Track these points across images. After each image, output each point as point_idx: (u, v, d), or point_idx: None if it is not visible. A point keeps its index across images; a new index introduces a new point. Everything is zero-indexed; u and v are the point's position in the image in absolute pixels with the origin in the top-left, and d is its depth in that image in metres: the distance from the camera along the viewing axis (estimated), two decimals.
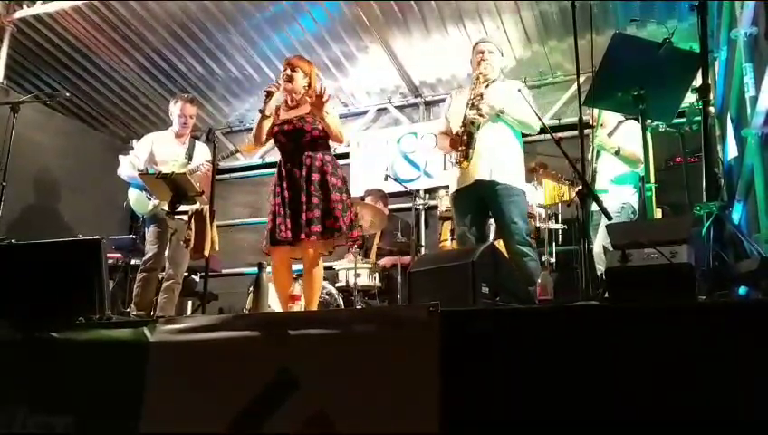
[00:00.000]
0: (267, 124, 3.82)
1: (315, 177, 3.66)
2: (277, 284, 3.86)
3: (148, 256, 4.64)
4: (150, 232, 4.72)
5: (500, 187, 3.75)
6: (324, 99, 3.63)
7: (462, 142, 3.80)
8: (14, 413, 2.67)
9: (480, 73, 3.95)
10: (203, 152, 4.91)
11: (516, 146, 3.91)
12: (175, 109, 4.91)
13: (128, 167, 4.87)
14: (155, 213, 4.69)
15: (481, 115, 3.80)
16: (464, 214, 3.91)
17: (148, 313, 4.46)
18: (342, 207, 3.69)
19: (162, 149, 4.84)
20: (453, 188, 3.99)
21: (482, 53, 4.03)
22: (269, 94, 3.76)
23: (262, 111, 3.79)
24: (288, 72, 3.86)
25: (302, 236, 3.58)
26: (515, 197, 3.77)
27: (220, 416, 2.30)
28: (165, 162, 4.75)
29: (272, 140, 3.92)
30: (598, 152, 4.56)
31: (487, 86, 3.94)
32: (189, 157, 4.86)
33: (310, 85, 3.90)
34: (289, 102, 3.90)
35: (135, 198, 4.85)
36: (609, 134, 4.54)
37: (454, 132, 3.91)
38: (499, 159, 3.79)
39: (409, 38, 6.32)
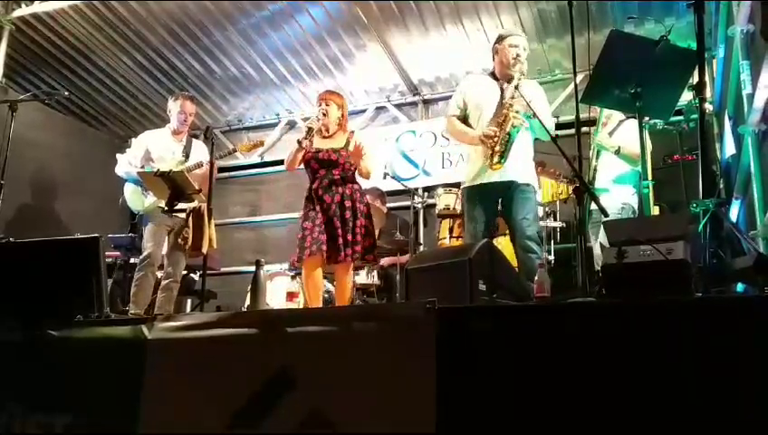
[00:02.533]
0: (301, 154, 4.12)
1: (348, 203, 4.04)
2: (309, 290, 4.14)
3: (144, 254, 4.62)
4: (147, 230, 4.69)
5: (521, 185, 3.73)
6: (363, 153, 4.05)
7: (498, 143, 3.66)
8: (12, 412, 2.67)
9: (522, 73, 3.75)
10: (201, 150, 4.91)
11: (530, 145, 3.88)
12: (175, 106, 4.88)
13: (125, 165, 4.85)
14: (151, 210, 4.67)
15: (520, 119, 3.66)
16: (478, 209, 3.83)
17: (147, 311, 4.45)
18: (366, 232, 4.08)
19: (159, 147, 4.81)
20: (470, 182, 3.87)
21: (517, 46, 3.83)
22: (310, 130, 4.08)
23: (300, 143, 4.07)
24: (324, 106, 4.21)
25: (342, 256, 3.94)
26: (531, 195, 3.76)
27: (218, 413, 2.30)
28: (162, 160, 4.73)
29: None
30: (598, 151, 4.56)
31: (517, 87, 3.77)
32: (186, 155, 4.83)
33: (343, 116, 4.29)
34: (323, 132, 4.22)
35: (130, 194, 4.82)
36: (611, 133, 4.54)
37: (482, 126, 3.77)
38: (523, 159, 3.77)
39: (408, 36, 6.33)
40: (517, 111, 3.65)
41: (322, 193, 4.06)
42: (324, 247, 3.94)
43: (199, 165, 4.68)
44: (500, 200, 3.79)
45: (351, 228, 4.00)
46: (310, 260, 4.00)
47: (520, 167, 3.74)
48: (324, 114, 4.19)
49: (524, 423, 1.90)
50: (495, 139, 3.66)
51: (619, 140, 4.40)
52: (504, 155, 3.65)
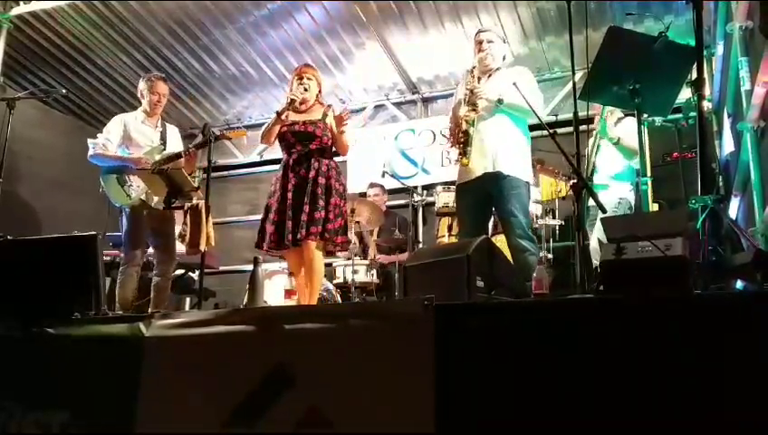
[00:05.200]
0: (278, 127, 3.96)
1: (321, 181, 3.82)
2: (299, 281, 4.01)
3: (126, 253, 4.47)
4: (128, 229, 4.52)
5: (502, 179, 3.68)
6: (346, 120, 3.89)
7: (459, 140, 3.76)
8: (10, 410, 2.67)
9: (474, 67, 3.87)
10: (176, 136, 4.82)
11: (519, 136, 3.82)
12: (146, 86, 4.70)
13: (99, 147, 4.58)
14: (132, 205, 4.49)
15: (475, 111, 3.74)
16: (466, 208, 3.88)
17: (138, 310, 4.37)
18: (338, 211, 3.86)
19: (136, 133, 4.62)
20: (458, 181, 3.93)
21: (480, 42, 3.93)
22: (292, 102, 3.91)
23: (279, 114, 3.92)
24: (306, 80, 4.05)
25: (301, 234, 3.70)
26: (517, 189, 3.69)
27: (216, 411, 2.29)
28: (139, 147, 4.57)
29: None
30: (597, 147, 4.57)
31: (490, 76, 3.89)
32: (164, 141, 4.69)
33: (320, 91, 4.13)
34: (298, 106, 4.01)
35: (110, 187, 4.56)
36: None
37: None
38: (501, 151, 3.71)
39: (407, 35, 6.33)
40: (473, 105, 3.74)
41: (298, 167, 3.87)
42: (290, 237, 3.74)
43: (179, 155, 4.49)
44: (491, 197, 3.79)
45: (325, 206, 3.79)
46: (289, 253, 3.90)
47: (502, 159, 3.71)
48: (306, 90, 4.03)
49: (524, 421, 1.89)
50: (458, 136, 3.76)
51: (620, 132, 4.41)
52: (465, 150, 3.72)
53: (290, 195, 3.81)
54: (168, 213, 4.38)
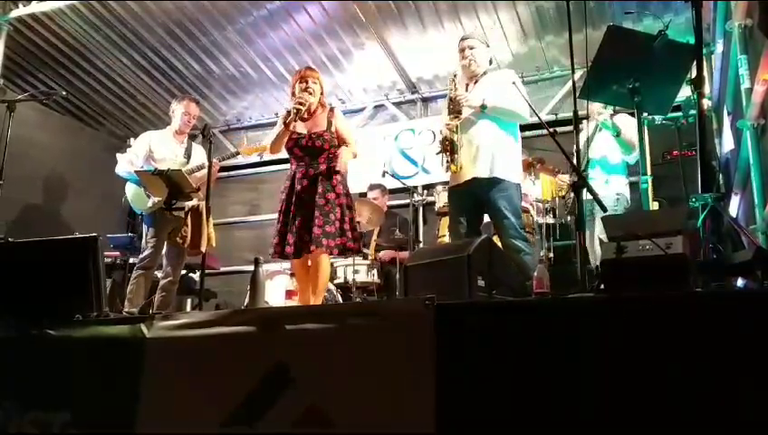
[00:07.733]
0: (286, 137, 3.86)
1: (331, 196, 3.78)
2: (302, 288, 4.03)
3: (144, 253, 4.63)
4: (149, 231, 4.71)
5: (490, 182, 3.71)
6: (342, 161, 3.80)
7: (446, 148, 3.80)
8: (10, 411, 2.67)
9: (455, 75, 3.90)
10: (201, 152, 4.92)
11: (507, 139, 3.82)
12: (179, 107, 4.92)
13: (125, 164, 4.86)
14: (154, 211, 4.68)
15: (458, 118, 3.78)
16: (458, 211, 3.90)
17: (143, 311, 4.45)
18: (352, 225, 3.87)
19: (161, 148, 4.85)
20: (449, 184, 3.99)
21: (462, 51, 3.96)
22: (298, 112, 3.76)
23: (287, 125, 3.78)
24: (311, 84, 3.91)
25: (313, 248, 3.67)
26: (506, 191, 3.71)
27: (217, 412, 2.30)
28: (164, 160, 4.75)
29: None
30: (593, 134, 4.62)
31: (476, 81, 3.91)
32: (188, 156, 4.88)
33: (322, 93, 4.00)
34: (305, 114, 3.89)
35: (133, 194, 4.83)
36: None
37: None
38: (489, 155, 3.73)
39: (406, 34, 6.33)
40: (457, 113, 3.79)
41: (306, 183, 3.80)
42: (291, 247, 3.71)
43: (201, 167, 4.69)
44: (481, 200, 3.80)
45: (340, 219, 3.77)
46: (295, 262, 3.89)
47: (489, 163, 3.73)
48: (311, 93, 3.88)
49: (524, 420, 1.89)
50: (444, 144, 3.82)
51: (620, 124, 4.44)
52: (453, 158, 3.77)
53: (293, 208, 3.76)
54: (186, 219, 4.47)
